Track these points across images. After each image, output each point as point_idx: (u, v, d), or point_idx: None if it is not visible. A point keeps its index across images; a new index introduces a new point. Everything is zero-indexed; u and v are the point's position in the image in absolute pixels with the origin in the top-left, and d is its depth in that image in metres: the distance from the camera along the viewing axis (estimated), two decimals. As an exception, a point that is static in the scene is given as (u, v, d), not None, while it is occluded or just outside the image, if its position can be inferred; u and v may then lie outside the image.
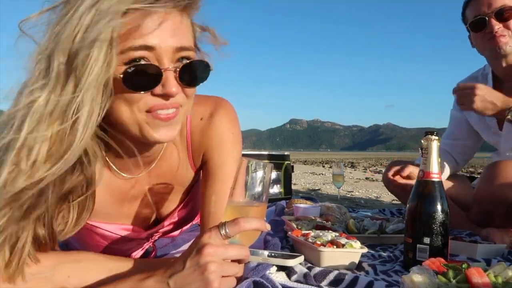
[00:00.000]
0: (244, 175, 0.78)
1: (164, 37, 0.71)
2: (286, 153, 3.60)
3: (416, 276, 0.83)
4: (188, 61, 0.76)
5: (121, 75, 0.70)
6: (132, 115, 0.74)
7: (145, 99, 0.73)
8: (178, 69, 0.74)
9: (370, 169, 9.84)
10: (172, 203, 1.07)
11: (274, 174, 3.21)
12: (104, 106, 0.70)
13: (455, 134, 2.22)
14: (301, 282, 1.03)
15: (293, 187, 3.74)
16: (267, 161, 0.80)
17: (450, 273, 0.84)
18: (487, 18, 1.85)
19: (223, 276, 0.70)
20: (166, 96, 0.74)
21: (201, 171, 1.04)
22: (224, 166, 0.98)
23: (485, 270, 0.85)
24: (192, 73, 0.77)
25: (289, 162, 3.34)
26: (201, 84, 0.82)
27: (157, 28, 0.70)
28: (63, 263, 0.77)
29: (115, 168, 0.90)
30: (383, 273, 1.16)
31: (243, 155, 0.98)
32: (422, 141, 1.20)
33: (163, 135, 0.77)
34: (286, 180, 3.25)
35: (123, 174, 0.92)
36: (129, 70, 0.70)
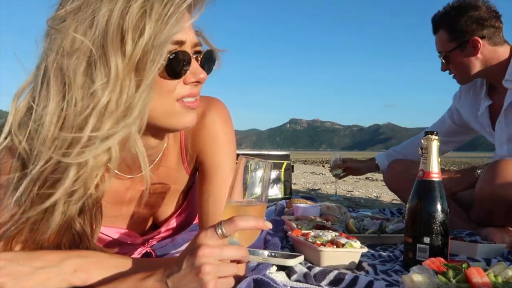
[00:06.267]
0: (242, 174, 0.76)
1: (189, 33, 0.79)
2: (286, 153, 3.59)
3: (416, 275, 0.83)
4: (206, 50, 0.84)
5: (163, 68, 0.74)
6: (164, 105, 0.78)
7: (178, 88, 0.79)
8: (200, 57, 0.82)
9: None
10: (168, 207, 1.06)
11: (274, 174, 3.21)
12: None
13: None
14: (301, 282, 1.03)
15: (293, 187, 3.74)
16: (265, 160, 0.77)
17: (450, 273, 0.84)
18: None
19: (220, 277, 0.69)
20: (196, 82, 0.81)
21: (197, 173, 1.03)
22: (220, 167, 0.97)
23: (485, 270, 0.85)
24: (212, 60, 0.86)
25: (289, 162, 3.34)
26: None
27: (185, 25, 0.76)
28: (70, 258, 0.77)
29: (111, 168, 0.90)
30: (383, 272, 1.16)
31: (243, 154, 0.98)
32: (422, 141, 1.20)
33: (189, 122, 0.83)
34: (286, 180, 3.25)
35: (121, 174, 0.91)
36: (168, 62, 0.75)
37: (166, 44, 0.71)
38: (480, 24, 1.84)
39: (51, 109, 0.69)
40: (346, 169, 2.64)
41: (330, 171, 2.62)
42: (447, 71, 2.01)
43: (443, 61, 1.97)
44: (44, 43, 0.72)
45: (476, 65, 1.89)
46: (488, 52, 1.86)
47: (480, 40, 1.84)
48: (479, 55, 1.86)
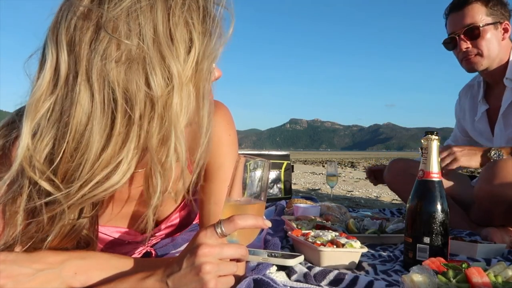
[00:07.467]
0: (241, 173, 0.76)
1: None
2: (286, 153, 3.59)
3: (416, 275, 0.83)
4: None
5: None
6: None
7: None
8: None
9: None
10: (169, 205, 1.07)
11: (274, 174, 3.21)
12: None
13: (455, 136, 2.36)
14: (301, 282, 1.03)
15: (293, 187, 3.74)
16: (264, 159, 0.78)
17: (450, 273, 0.84)
18: (457, 37, 1.88)
19: (220, 276, 0.69)
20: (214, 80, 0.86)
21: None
22: (222, 167, 0.98)
23: (485, 270, 0.85)
24: None
25: (289, 161, 3.34)
26: None
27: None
28: (71, 260, 0.77)
29: None
30: (383, 272, 1.16)
31: (244, 154, 0.98)
32: (422, 141, 1.20)
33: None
34: (286, 180, 3.25)
35: None
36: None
37: (216, 54, 0.74)
38: (510, 13, 1.85)
39: (100, 130, 0.66)
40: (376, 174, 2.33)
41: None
42: (456, 56, 1.93)
43: (470, 34, 1.82)
44: (75, 48, 0.65)
45: (498, 50, 1.85)
46: (506, 43, 1.87)
47: (510, 26, 1.84)
48: (504, 41, 1.85)
